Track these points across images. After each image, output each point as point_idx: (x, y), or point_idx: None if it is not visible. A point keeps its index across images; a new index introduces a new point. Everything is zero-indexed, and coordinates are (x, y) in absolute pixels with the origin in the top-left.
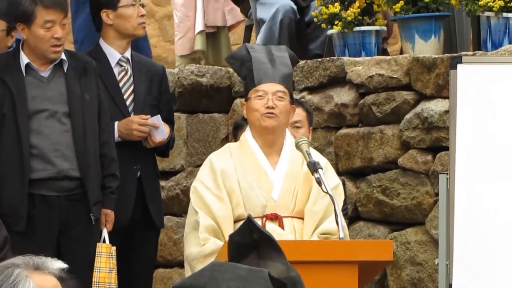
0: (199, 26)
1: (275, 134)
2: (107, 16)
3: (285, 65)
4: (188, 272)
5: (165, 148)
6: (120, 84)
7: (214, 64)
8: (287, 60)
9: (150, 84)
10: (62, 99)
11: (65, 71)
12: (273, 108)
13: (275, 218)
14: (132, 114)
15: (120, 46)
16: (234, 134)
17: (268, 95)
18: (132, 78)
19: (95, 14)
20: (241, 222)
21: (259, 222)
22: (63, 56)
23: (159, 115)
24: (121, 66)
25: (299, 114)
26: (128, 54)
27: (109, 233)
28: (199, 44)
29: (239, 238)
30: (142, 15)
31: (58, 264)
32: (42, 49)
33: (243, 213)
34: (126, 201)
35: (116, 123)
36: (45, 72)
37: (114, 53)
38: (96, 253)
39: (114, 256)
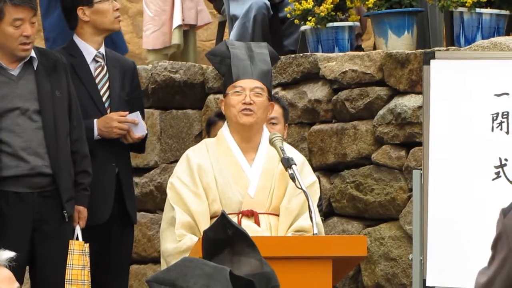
0: (177, 21)
1: (252, 131)
2: (83, 13)
3: (264, 62)
4: (163, 268)
5: (140, 145)
6: (97, 80)
7: (182, 61)
8: (267, 57)
9: (123, 80)
10: (32, 96)
11: (35, 68)
12: (250, 104)
13: (251, 214)
14: (108, 110)
15: (96, 42)
16: (207, 130)
17: (246, 91)
18: (108, 74)
19: (69, 11)
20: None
21: (235, 218)
22: (33, 54)
23: (138, 112)
24: (97, 62)
25: (275, 110)
26: (102, 49)
27: (88, 230)
28: (176, 38)
29: (213, 234)
30: (117, 9)
31: (7, 254)
32: (11, 47)
33: (219, 209)
34: (106, 198)
35: (95, 121)
36: (15, 70)
37: (90, 49)
38: (69, 250)
39: (87, 253)
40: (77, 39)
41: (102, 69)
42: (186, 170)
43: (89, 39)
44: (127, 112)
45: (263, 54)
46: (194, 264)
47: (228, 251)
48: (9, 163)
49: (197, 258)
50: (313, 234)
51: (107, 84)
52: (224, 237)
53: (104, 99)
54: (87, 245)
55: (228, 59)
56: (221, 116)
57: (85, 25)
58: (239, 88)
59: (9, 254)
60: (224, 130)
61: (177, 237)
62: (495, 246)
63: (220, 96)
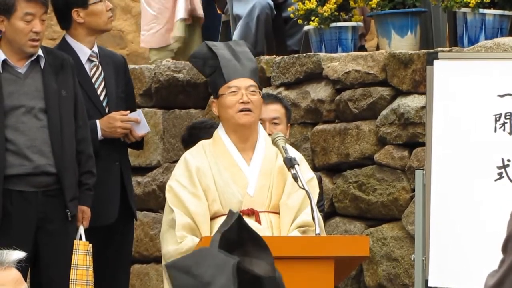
0: (181, 14)
1: (250, 129)
2: (77, 15)
3: (250, 60)
4: (165, 270)
5: (139, 141)
6: (93, 80)
7: (185, 60)
8: (250, 55)
9: (117, 76)
10: (38, 95)
11: (42, 67)
12: (248, 103)
13: (252, 213)
14: (106, 109)
15: (89, 42)
16: (184, 146)
17: (241, 90)
18: (102, 72)
19: (63, 13)
20: (218, 218)
21: None
22: (40, 52)
23: (140, 110)
24: (92, 61)
25: (278, 110)
26: (95, 48)
27: (92, 230)
28: (178, 31)
29: (229, 234)
30: (110, 9)
31: (16, 255)
32: (20, 43)
33: (219, 210)
34: (112, 199)
35: (98, 121)
36: (22, 68)
37: (84, 49)
38: (74, 250)
39: (91, 253)
40: (70, 40)
41: (97, 68)
42: (185, 172)
43: (83, 40)
44: (128, 112)
45: (246, 52)
46: (208, 253)
47: (239, 252)
48: (13, 161)
49: (210, 248)
50: (316, 234)
51: (103, 83)
52: (236, 238)
53: (101, 98)
54: (91, 245)
55: (211, 60)
56: (194, 139)
57: (79, 26)
58: (234, 88)
59: (18, 255)
60: (219, 131)
61: (178, 238)
62: (505, 247)
63: None
